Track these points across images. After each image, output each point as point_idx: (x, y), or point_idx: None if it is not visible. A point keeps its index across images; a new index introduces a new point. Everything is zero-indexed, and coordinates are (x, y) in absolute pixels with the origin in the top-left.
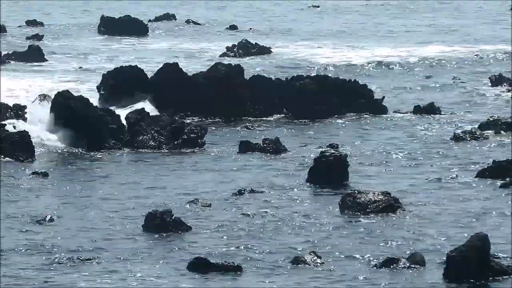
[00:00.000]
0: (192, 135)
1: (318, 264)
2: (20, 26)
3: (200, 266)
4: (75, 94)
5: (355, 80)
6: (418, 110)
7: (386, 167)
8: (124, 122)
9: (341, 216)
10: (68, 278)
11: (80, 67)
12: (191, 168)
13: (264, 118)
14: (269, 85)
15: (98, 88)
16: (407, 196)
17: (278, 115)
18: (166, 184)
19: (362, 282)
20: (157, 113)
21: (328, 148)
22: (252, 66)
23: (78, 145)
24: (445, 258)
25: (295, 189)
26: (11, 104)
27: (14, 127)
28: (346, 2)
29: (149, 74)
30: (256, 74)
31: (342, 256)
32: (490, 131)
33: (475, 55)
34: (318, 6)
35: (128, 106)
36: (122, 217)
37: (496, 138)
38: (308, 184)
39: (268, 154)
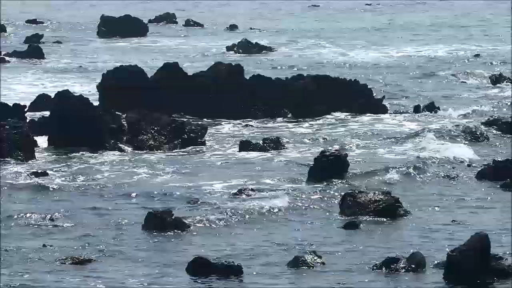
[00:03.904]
0: (192, 135)
1: (318, 264)
2: (20, 26)
3: (200, 266)
4: (75, 94)
5: (355, 80)
6: (418, 109)
7: (387, 167)
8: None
9: (341, 216)
10: (67, 279)
11: (80, 67)
12: (191, 167)
13: (264, 118)
14: (269, 85)
15: (98, 88)
16: (407, 195)
17: (279, 115)
18: (166, 184)
19: (362, 282)
20: None
21: (329, 148)
22: (252, 65)
23: (78, 145)
24: (445, 258)
25: (295, 189)
26: (11, 104)
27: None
28: (347, 2)
29: (149, 74)
30: (256, 74)
31: (342, 256)
32: (490, 131)
33: (475, 54)
34: (318, 6)
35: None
36: (122, 217)
37: (496, 138)
38: (308, 184)
39: (268, 153)
